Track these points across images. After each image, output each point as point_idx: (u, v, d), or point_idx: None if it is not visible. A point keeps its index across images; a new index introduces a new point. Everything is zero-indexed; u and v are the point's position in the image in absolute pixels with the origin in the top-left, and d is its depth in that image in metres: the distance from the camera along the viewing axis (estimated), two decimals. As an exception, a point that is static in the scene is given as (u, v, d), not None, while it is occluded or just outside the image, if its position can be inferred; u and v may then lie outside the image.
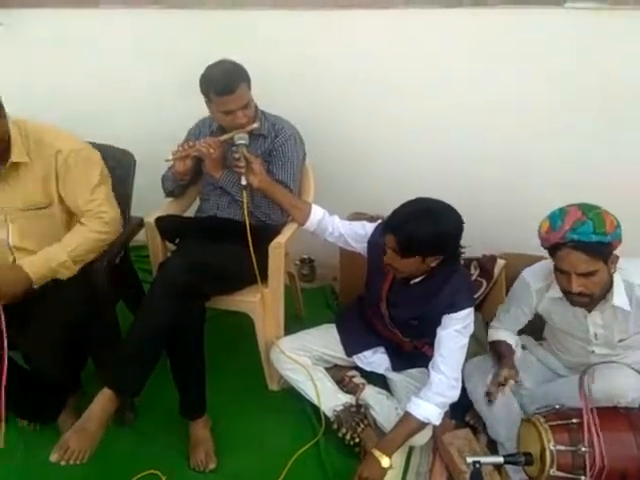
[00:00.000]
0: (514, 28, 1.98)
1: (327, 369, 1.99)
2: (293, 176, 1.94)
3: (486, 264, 2.17)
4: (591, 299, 1.53)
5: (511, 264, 2.10)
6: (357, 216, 2.15)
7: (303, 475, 1.77)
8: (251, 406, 2.01)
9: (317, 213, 1.86)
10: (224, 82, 1.77)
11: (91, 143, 1.78)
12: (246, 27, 2.20)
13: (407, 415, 1.69)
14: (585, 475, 1.46)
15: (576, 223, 1.45)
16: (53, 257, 1.63)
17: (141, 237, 2.01)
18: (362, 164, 2.39)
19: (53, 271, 1.63)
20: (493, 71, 2.05)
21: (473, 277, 2.18)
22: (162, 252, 2.02)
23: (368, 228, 1.81)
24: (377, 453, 1.65)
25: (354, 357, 1.98)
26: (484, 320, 2.11)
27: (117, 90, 2.49)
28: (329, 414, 1.85)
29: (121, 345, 1.70)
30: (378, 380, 1.99)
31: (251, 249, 1.77)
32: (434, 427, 1.76)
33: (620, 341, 1.62)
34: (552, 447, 1.48)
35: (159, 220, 1.95)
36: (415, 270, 1.64)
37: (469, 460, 1.50)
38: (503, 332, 1.82)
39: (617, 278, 1.55)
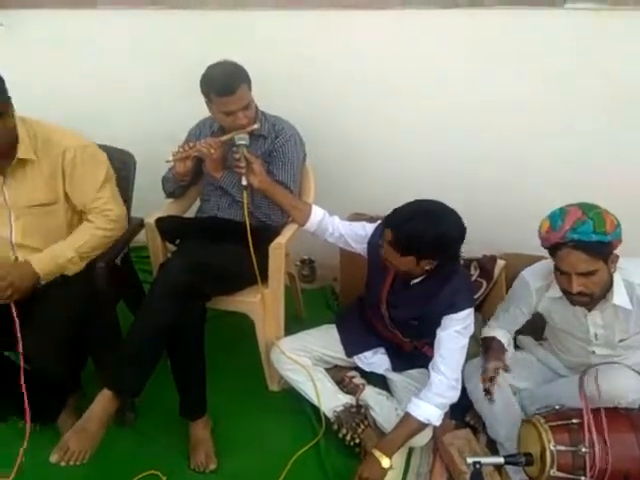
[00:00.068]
0: (510, 29, 1.98)
1: (327, 370, 1.99)
2: (293, 177, 1.94)
3: (486, 264, 2.17)
4: (591, 298, 1.53)
5: (511, 264, 2.10)
6: (357, 217, 2.16)
7: (303, 476, 1.77)
8: (251, 407, 2.01)
9: (317, 214, 1.86)
10: (225, 83, 1.77)
11: (92, 143, 1.79)
12: (244, 28, 2.20)
13: (407, 416, 1.69)
14: (585, 475, 1.47)
15: (576, 223, 1.45)
16: (60, 254, 1.66)
17: (141, 238, 2.01)
18: (359, 164, 2.39)
19: (61, 267, 1.66)
20: (489, 72, 2.06)
21: (473, 277, 2.18)
22: (162, 253, 2.02)
23: (368, 229, 1.81)
24: (377, 454, 1.65)
25: (354, 358, 1.98)
26: (484, 321, 2.11)
27: (115, 90, 2.49)
28: (329, 415, 1.85)
29: (121, 345, 1.70)
30: (378, 381, 1.99)
31: (251, 250, 1.77)
32: (434, 428, 1.76)
33: (620, 341, 1.62)
34: (552, 447, 1.48)
35: (159, 221, 1.95)
36: (409, 270, 1.63)
37: (469, 461, 1.50)
38: (497, 330, 1.82)
39: (617, 277, 1.55)
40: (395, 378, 1.93)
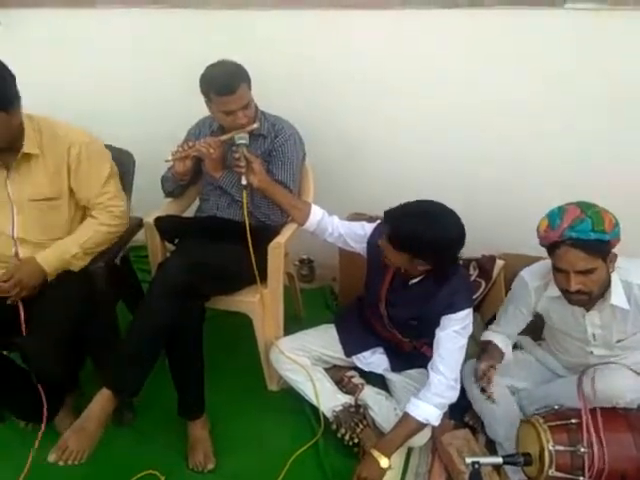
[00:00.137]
0: (510, 29, 1.98)
1: (326, 369, 1.98)
2: (293, 176, 1.94)
3: (485, 264, 2.17)
4: (589, 297, 1.53)
5: (510, 264, 2.10)
6: (356, 217, 2.15)
7: (302, 475, 1.77)
8: (250, 406, 2.01)
9: (317, 213, 1.86)
10: (225, 82, 1.77)
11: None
12: (244, 27, 2.20)
13: (406, 416, 1.69)
14: (584, 476, 1.46)
15: (575, 221, 1.45)
16: (65, 250, 1.69)
17: (140, 237, 2.01)
18: (359, 164, 2.39)
19: (66, 262, 1.69)
20: (489, 71, 2.05)
21: (472, 278, 2.18)
22: (161, 252, 2.01)
23: (367, 228, 1.81)
24: (376, 453, 1.65)
25: (353, 357, 1.98)
26: (483, 321, 2.11)
27: (115, 90, 2.49)
28: (328, 414, 1.85)
29: (120, 345, 1.70)
30: (377, 380, 1.99)
31: (251, 249, 1.77)
32: (433, 428, 1.76)
33: (618, 341, 1.62)
34: (551, 447, 1.48)
35: (158, 220, 1.95)
36: (403, 266, 1.63)
37: (468, 461, 1.50)
38: (495, 335, 1.81)
39: (615, 277, 1.54)
40: (394, 378, 1.93)
